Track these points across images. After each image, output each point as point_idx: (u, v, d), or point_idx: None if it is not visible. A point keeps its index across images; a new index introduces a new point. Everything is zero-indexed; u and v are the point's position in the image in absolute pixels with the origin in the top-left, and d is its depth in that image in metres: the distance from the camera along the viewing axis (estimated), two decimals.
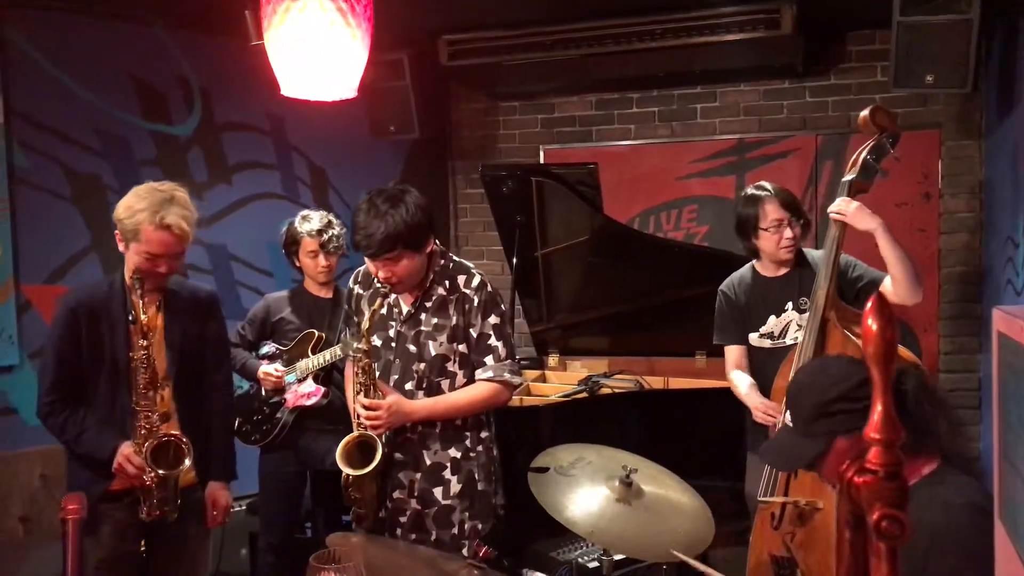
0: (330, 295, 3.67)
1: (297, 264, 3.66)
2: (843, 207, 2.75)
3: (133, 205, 2.50)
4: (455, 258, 2.69)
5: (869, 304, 0.64)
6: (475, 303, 2.57)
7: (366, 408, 2.47)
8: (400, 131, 4.94)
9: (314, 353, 3.54)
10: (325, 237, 3.56)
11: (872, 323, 0.62)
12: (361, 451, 2.52)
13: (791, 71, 4.75)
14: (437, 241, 2.63)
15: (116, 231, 2.55)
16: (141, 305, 2.46)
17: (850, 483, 0.65)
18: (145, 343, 2.47)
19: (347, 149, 4.96)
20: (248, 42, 3.63)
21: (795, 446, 1.71)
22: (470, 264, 2.69)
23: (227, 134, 4.49)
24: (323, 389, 3.54)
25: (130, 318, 2.53)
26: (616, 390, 4.01)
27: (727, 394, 3.16)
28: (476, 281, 2.60)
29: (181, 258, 2.60)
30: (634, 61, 4.58)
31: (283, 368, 3.55)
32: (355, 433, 2.53)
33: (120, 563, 2.58)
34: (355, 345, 2.55)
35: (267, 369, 3.53)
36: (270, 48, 1.83)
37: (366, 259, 2.54)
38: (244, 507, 3.90)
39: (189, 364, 2.69)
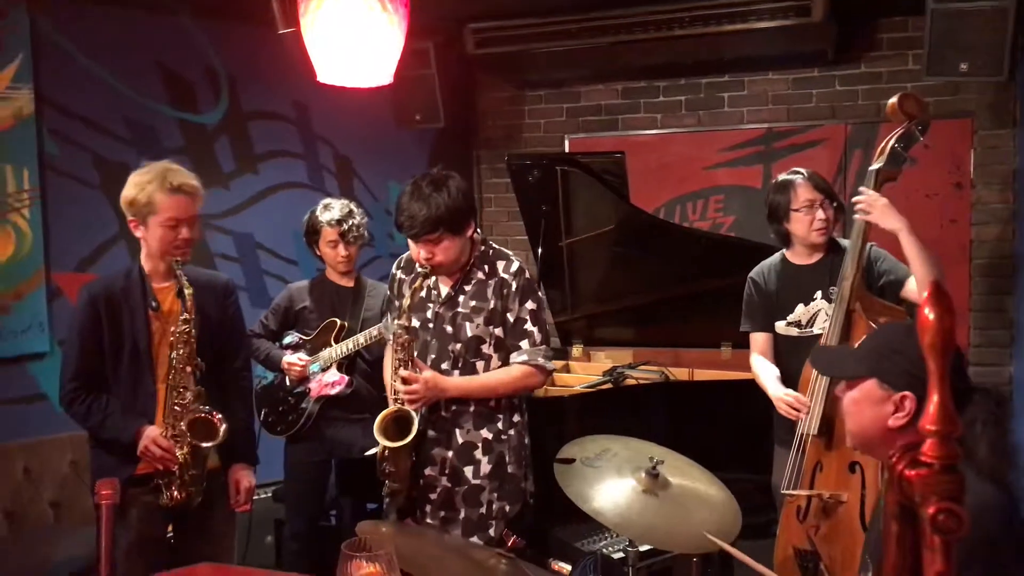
0: (352, 284, 3.67)
1: (318, 253, 3.66)
2: (870, 203, 2.70)
3: (139, 181, 2.56)
4: (494, 245, 2.75)
5: (926, 293, 0.62)
6: (513, 288, 2.63)
7: (404, 381, 2.51)
8: (425, 120, 4.93)
9: (337, 342, 3.55)
10: (345, 227, 3.54)
11: (930, 312, 0.60)
12: (397, 426, 2.55)
13: (821, 59, 4.69)
14: (479, 230, 2.68)
15: (130, 218, 2.59)
16: (186, 283, 2.52)
17: (901, 476, 0.63)
18: (187, 316, 2.53)
19: (372, 138, 4.96)
20: (275, 30, 3.63)
21: (842, 359, 1.78)
22: (509, 252, 2.75)
23: (254, 123, 4.51)
24: (347, 378, 3.55)
25: (153, 305, 2.59)
26: (641, 381, 3.99)
27: (753, 386, 3.13)
28: (515, 267, 2.67)
29: (196, 224, 2.64)
30: (662, 49, 4.55)
31: (307, 357, 3.56)
32: (392, 407, 2.57)
33: (149, 546, 2.61)
34: (396, 322, 2.60)
35: (291, 359, 3.53)
36: (307, 34, 1.82)
37: (408, 241, 2.60)
38: (270, 494, 3.93)
39: (205, 351, 2.70)
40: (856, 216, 2.75)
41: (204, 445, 2.55)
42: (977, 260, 4.54)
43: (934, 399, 0.61)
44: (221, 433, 2.56)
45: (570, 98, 5.37)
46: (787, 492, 2.75)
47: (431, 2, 3.86)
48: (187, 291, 2.52)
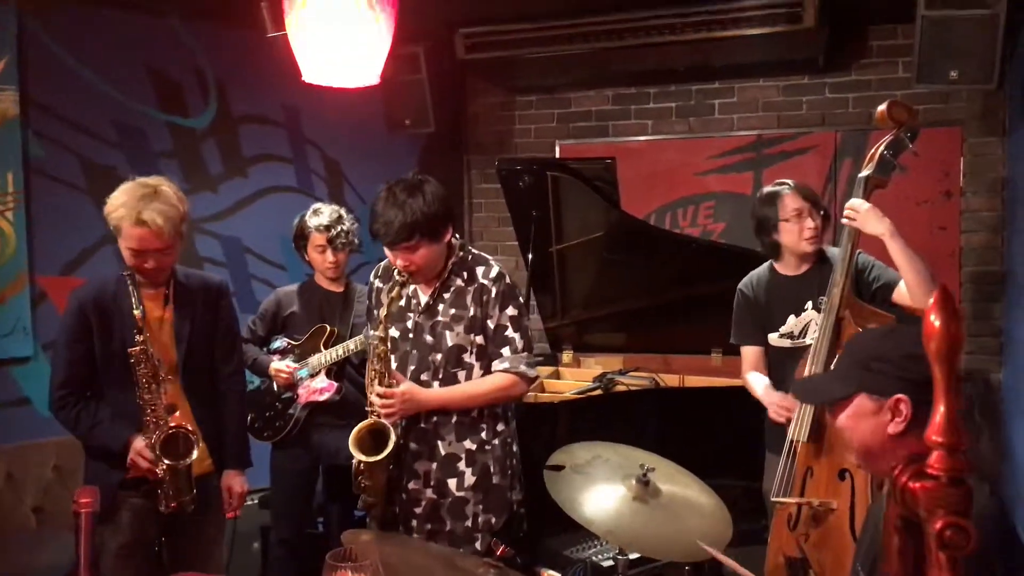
0: (341, 289, 3.64)
1: (306, 258, 3.63)
2: (854, 209, 2.70)
3: (116, 201, 2.50)
4: (473, 251, 2.69)
5: (932, 299, 0.60)
6: (493, 294, 2.58)
7: (380, 396, 2.47)
8: (415, 125, 4.91)
9: (326, 348, 3.52)
10: (333, 233, 3.51)
11: (935, 319, 0.58)
12: (373, 439, 2.51)
13: (811, 66, 4.70)
14: (457, 235, 2.63)
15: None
16: (136, 299, 2.45)
17: (904, 488, 0.61)
18: (141, 338, 2.46)
19: (362, 143, 4.93)
20: (264, 34, 3.62)
21: (825, 384, 1.76)
22: (488, 256, 2.69)
23: (243, 126, 4.48)
24: (335, 384, 3.51)
25: (138, 312, 2.54)
26: (631, 387, 3.98)
27: (744, 392, 3.12)
28: (494, 272, 2.61)
29: (170, 254, 2.56)
30: (653, 55, 4.54)
31: (294, 364, 3.52)
32: (368, 420, 2.52)
33: (139, 551, 2.59)
34: (372, 332, 2.55)
35: (278, 366, 3.50)
36: (292, 33, 1.80)
37: (385, 248, 2.54)
38: (256, 501, 3.89)
39: (199, 355, 2.69)
40: (844, 223, 2.75)
41: (181, 463, 2.49)
42: (966, 267, 4.55)
43: (940, 409, 0.59)
44: (195, 450, 2.50)
45: (561, 104, 5.36)
46: (777, 500, 2.74)
47: (422, 6, 3.85)
48: (136, 311, 2.44)
